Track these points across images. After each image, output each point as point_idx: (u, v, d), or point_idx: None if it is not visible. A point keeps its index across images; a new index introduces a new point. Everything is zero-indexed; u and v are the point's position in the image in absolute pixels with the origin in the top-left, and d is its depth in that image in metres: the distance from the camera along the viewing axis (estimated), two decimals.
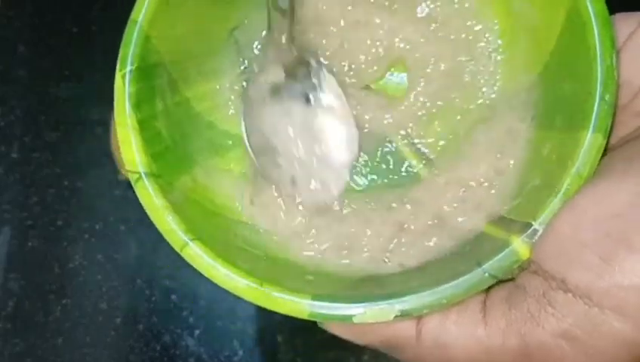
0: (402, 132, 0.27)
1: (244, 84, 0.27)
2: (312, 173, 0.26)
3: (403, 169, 0.26)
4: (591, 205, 0.19)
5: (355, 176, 0.27)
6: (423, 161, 0.26)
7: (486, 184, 0.24)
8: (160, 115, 0.24)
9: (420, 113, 0.27)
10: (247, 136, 0.26)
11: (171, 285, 0.36)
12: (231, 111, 0.27)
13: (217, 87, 0.27)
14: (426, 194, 0.25)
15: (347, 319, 0.20)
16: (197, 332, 0.36)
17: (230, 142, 0.27)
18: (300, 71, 0.26)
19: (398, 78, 0.27)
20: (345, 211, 0.26)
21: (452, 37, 0.27)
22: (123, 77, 0.23)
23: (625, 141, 0.21)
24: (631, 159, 0.20)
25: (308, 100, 0.26)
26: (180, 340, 0.36)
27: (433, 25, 0.27)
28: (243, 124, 0.26)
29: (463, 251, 0.23)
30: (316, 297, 0.20)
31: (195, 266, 0.21)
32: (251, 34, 0.27)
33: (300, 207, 0.26)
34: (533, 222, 0.20)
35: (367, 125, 0.27)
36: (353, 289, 0.23)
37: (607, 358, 0.19)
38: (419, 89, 0.27)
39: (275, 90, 0.26)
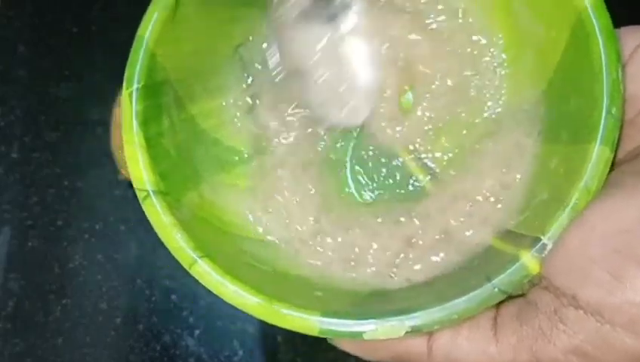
0: (410, 147, 0.27)
1: (249, 100, 0.27)
2: (340, 95, 0.26)
3: (409, 183, 0.26)
4: (600, 221, 0.19)
5: (361, 191, 0.27)
6: (429, 176, 0.26)
7: (492, 198, 0.25)
8: (167, 133, 0.24)
9: (426, 128, 0.27)
10: (280, 60, 0.26)
11: (171, 285, 0.36)
12: (236, 127, 0.27)
13: (223, 103, 0.27)
14: (432, 209, 0.25)
15: (357, 335, 0.20)
16: (197, 332, 0.36)
17: (236, 158, 0.27)
18: None
19: (404, 94, 0.27)
20: (351, 224, 0.26)
21: (459, 51, 0.27)
22: (130, 95, 0.23)
23: (633, 155, 0.21)
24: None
25: (335, 22, 0.26)
26: (179, 340, 0.36)
27: (439, 39, 0.27)
28: (274, 48, 0.26)
29: (472, 266, 0.23)
30: (326, 314, 0.20)
31: (203, 284, 0.21)
32: (256, 51, 0.27)
33: (323, 133, 0.26)
34: (542, 237, 0.20)
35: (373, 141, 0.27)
36: (362, 305, 0.23)
37: None
38: (425, 104, 0.27)
39: (302, 14, 0.26)
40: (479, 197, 0.25)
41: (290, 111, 0.28)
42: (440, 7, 0.27)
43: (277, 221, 0.26)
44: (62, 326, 0.36)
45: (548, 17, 0.24)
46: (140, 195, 0.22)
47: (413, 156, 0.27)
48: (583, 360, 0.19)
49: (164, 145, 0.24)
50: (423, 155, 0.27)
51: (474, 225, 0.24)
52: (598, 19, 0.21)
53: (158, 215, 0.22)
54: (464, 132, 0.26)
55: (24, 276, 0.37)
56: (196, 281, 0.21)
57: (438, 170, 0.26)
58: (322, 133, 0.27)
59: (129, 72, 0.23)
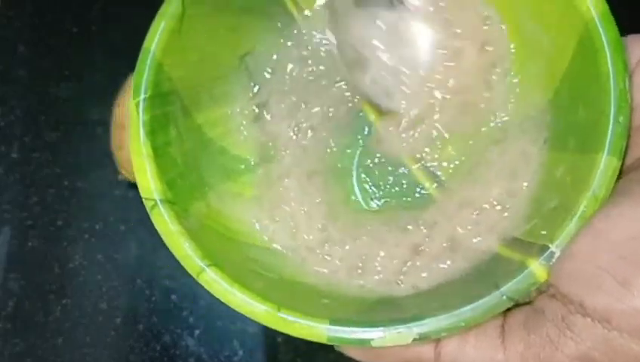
0: (417, 155, 0.27)
1: (255, 109, 0.27)
2: (404, 80, 0.25)
3: (416, 191, 0.27)
4: (608, 228, 0.19)
5: (368, 199, 0.27)
6: (435, 184, 0.26)
7: (499, 206, 0.25)
8: (174, 142, 0.24)
9: (433, 136, 0.27)
10: (339, 51, 0.26)
11: (171, 285, 0.36)
12: (243, 136, 0.27)
13: (229, 112, 0.27)
14: (439, 216, 0.25)
15: (365, 343, 0.20)
16: (197, 332, 0.36)
17: (242, 167, 0.27)
18: None
19: None
20: (358, 233, 0.26)
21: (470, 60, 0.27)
22: (137, 105, 0.23)
23: (639, 163, 0.21)
24: None
25: (392, 4, 0.25)
26: (179, 340, 0.36)
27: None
28: (332, 37, 0.26)
29: (479, 273, 0.23)
30: (334, 321, 0.20)
31: (211, 292, 0.21)
32: (262, 60, 0.28)
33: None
34: (550, 245, 0.20)
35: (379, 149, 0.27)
36: (369, 312, 0.23)
37: None
38: (435, 117, 0.27)
39: (360, 2, 0.26)
40: (486, 205, 0.25)
41: (297, 119, 0.28)
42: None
43: (283, 230, 0.26)
44: (62, 326, 0.36)
45: (555, 27, 0.24)
46: (148, 205, 0.22)
47: (419, 164, 0.27)
48: None
49: (171, 154, 0.24)
50: (429, 164, 0.27)
51: (481, 233, 0.24)
52: (605, 30, 0.21)
53: (165, 224, 0.22)
54: (470, 142, 0.26)
55: (24, 276, 0.37)
56: (197, 282, 0.21)
57: (444, 178, 0.26)
58: (332, 143, 0.27)
59: (136, 81, 0.23)
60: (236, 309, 0.21)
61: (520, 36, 0.26)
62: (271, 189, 0.27)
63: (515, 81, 0.26)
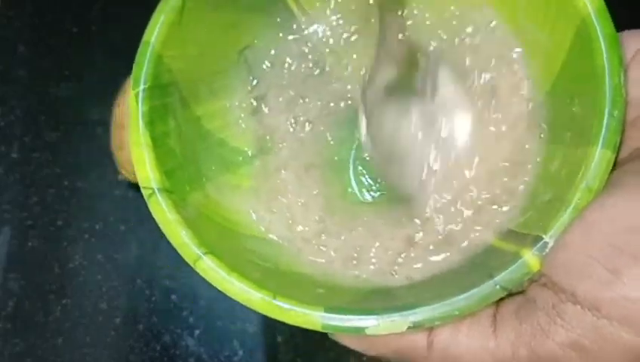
0: None
1: (253, 102, 0.28)
2: (438, 171, 0.25)
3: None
4: (600, 219, 0.19)
5: (364, 192, 0.27)
6: (433, 179, 0.26)
7: (495, 203, 0.25)
8: (172, 133, 0.24)
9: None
10: (372, 147, 0.26)
11: (171, 285, 0.36)
12: (241, 128, 0.27)
13: (227, 105, 0.27)
14: (434, 210, 0.25)
15: (360, 331, 0.20)
16: (197, 332, 0.36)
17: (240, 159, 0.27)
18: (414, 66, 0.26)
19: None
20: (354, 224, 0.26)
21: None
22: (136, 96, 0.23)
23: (634, 155, 0.21)
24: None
25: (424, 95, 0.26)
26: (180, 340, 0.36)
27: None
28: (365, 136, 0.26)
29: (473, 264, 0.23)
30: (329, 309, 0.20)
31: (208, 279, 0.21)
32: (261, 54, 0.28)
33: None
34: (544, 236, 0.20)
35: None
36: (364, 301, 0.23)
37: None
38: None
39: (391, 91, 0.26)
40: (480, 202, 0.25)
41: (295, 113, 0.28)
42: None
43: (280, 221, 0.26)
44: (62, 326, 0.36)
45: (552, 22, 0.24)
46: (146, 193, 0.22)
47: None
48: (580, 354, 0.19)
49: (169, 145, 0.24)
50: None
51: (475, 227, 0.25)
52: (601, 25, 0.22)
53: (163, 212, 0.22)
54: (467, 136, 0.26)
55: (24, 276, 0.37)
56: (196, 281, 0.21)
57: (439, 173, 0.26)
58: (329, 136, 0.28)
59: (136, 73, 0.23)
60: (232, 297, 0.21)
61: (518, 33, 0.26)
62: (268, 181, 0.27)
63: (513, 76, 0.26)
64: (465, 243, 0.24)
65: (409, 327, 0.20)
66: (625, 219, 0.19)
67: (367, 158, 0.27)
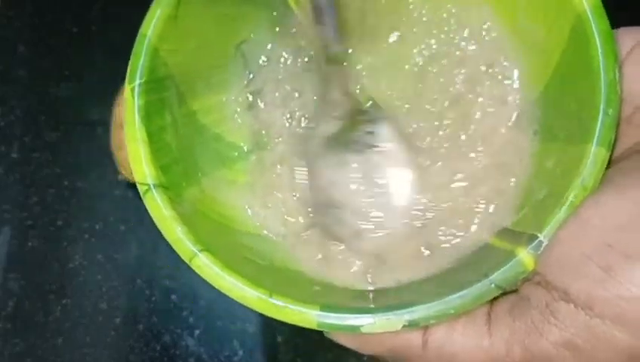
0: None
1: (249, 96, 0.28)
2: (375, 222, 0.26)
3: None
4: (594, 217, 0.19)
5: None
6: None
7: (488, 203, 0.25)
8: (168, 128, 0.24)
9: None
10: (311, 193, 0.26)
11: (171, 285, 0.36)
12: (237, 123, 0.27)
13: (224, 99, 0.27)
14: (429, 211, 0.25)
15: (355, 329, 0.20)
16: (197, 332, 0.36)
17: (236, 154, 0.27)
18: (356, 120, 0.26)
19: None
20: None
21: (457, 53, 0.27)
22: (132, 90, 0.23)
23: (629, 152, 0.21)
24: (634, 172, 0.20)
25: (366, 149, 0.26)
26: (180, 340, 0.36)
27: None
28: (307, 182, 0.26)
29: (468, 263, 0.23)
30: (324, 308, 0.20)
31: (203, 277, 0.21)
32: (257, 48, 0.28)
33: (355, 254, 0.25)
34: (539, 234, 0.20)
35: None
36: (360, 299, 0.23)
37: None
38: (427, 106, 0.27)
39: (332, 143, 0.26)
40: (473, 201, 0.25)
41: (291, 108, 0.28)
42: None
43: (275, 216, 0.26)
44: (62, 326, 0.36)
45: (548, 19, 0.24)
46: (142, 189, 0.22)
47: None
48: (574, 353, 0.19)
49: (165, 140, 0.24)
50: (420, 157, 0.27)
51: (470, 228, 0.25)
52: (596, 22, 0.22)
53: (158, 208, 0.22)
54: (463, 137, 0.26)
55: (24, 276, 0.37)
56: (196, 281, 0.21)
57: (432, 168, 0.26)
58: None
59: (132, 67, 0.23)
60: (228, 294, 0.21)
61: (513, 27, 0.26)
62: (264, 176, 0.27)
63: (507, 74, 0.26)
64: (458, 245, 0.24)
65: (404, 326, 0.20)
66: (618, 217, 0.19)
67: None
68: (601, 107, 0.21)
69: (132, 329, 0.36)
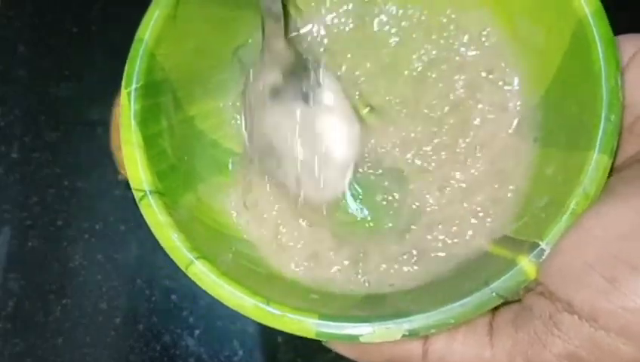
0: (408, 156, 0.27)
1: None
2: (315, 172, 0.26)
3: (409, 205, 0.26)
4: (597, 226, 0.19)
5: (356, 200, 0.27)
6: (425, 192, 0.26)
7: (486, 210, 0.25)
8: (165, 133, 0.24)
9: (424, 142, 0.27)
10: (250, 139, 0.26)
11: (171, 285, 0.36)
12: (234, 129, 0.27)
13: (221, 105, 0.27)
14: (424, 222, 0.25)
15: (354, 339, 0.20)
16: (197, 332, 0.36)
17: (232, 160, 0.27)
18: (298, 71, 0.26)
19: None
20: (346, 235, 0.26)
21: (456, 58, 0.27)
22: (128, 94, 0.23)
23: (631, 161, 0.21)
24: (636, 180, 0.20)
25: (307, 100, 0.26)
26: (180, 340, 0.36)
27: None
28: (244, 126, 0.26)
29: (469, 271, 0.23)
30: (323, 317, 0.20)
31: (200, 285, 0.21)
32: (255, 53, 0.27)
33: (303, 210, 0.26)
34: (540, 242, 0.20)
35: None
36: (358, 308, 0.23)
37: None
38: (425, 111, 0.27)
39: (275, 93, 0.26)
40: (470, 209, 0.25)
41: None
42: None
43: (271, 225, 0.26)
44: (62, 326, 0.36)
45: (548, 23, 0.24)
46: (138, 195, 0.22)
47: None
48: None
49: (162, 145, 0.23)
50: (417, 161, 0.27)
51: (468, 232, 0.24)
52: (598, 27, 0.21)
53: (154, 215, 0.22)
54: (462, 144, 0.26)
55: (24, 276, 0.37)
56: (186, 275, 0.21)
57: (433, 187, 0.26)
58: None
59: (128, 71, 0.23)
60: (225, 303, 0.21)
61: (513, 33, 0.26)
62: (260, 183, 0.27)
63: (507, 79, 0.26)
64: (459, 250, 0.24)
65: (404, 335, 0.20)
66: (622, 226, 0.19)
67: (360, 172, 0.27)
68: (603, 114, 0.21)
69: (132, 329, 0.36)
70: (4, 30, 0.41)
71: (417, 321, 0.20)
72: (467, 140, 0.26)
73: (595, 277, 0.18)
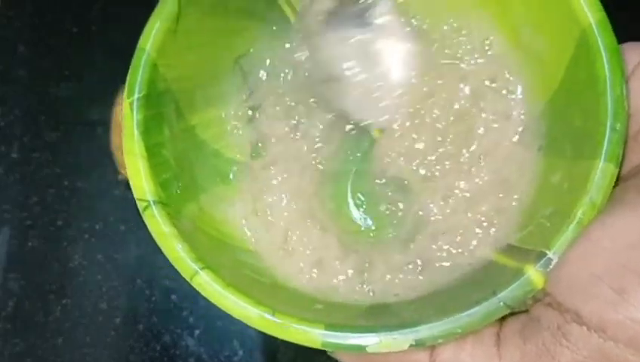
0: (412, 166, 0.27)
1: (249, 111, 0.28)
2: (375, 96, 0.25)
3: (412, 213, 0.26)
4: (604, 236, 0.19)
5: (359, 208, 0.27)
6: (429, 202, 0.26)
7: (489, 220, 0.25)
8: (167, 143, 0.24)
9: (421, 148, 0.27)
10: (310, 67, 0.26)
11: (171, 285, 0.36)
12: (236, 138, 0.27)
13: (223, 114, 0.27)
14: (429, 232, 0.25)
15: (361, 349, 0.20)
16: (197, 332, 0.36)
17: (235, 169, 0.27)
18: None
19: None
20: (350, 245, 0.26)
21: (461, 66, 0.27)
22: (131, 104, 0.23)
23: (636, 171, 0.21)
24: None
25: (363, 22, 0.25)
26: (179, 340, 0.36)
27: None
28: (303, 55, 0.26)
29: (476, 280, 0.23)
30: (329, 327, 0.20)
31: (205, 295, 0.21)
32: (256, 63, 0.27)
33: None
34: (547, 251, 0.20)
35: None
36: (363, 318, 0.22)
37: None
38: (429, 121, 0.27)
39: (329, 18, 0.26)
40: (474, 218, 0.25)
41: (291, 122, 0.28)
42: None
43: (274, 234, 0.26)
44: (62, 326, 0.36)
45: (552, 32, 0.24)
46: (141, 206, 0.22)
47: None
48: None
49: (164, 155, 0.23)
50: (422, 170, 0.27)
51: (470, 245, 0.24)
52: (602, 37, 0.21)
53: (158, 225, 0.22)
54: (466, 155, 0.26)
55: (24, 276, 0.37)
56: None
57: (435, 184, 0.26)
58: (327, 148, 0.27)
59: (130, 80, 0.23)
60: (230, 313, 0.21)
61: (517, 42, 0.26)
62: (263, 193, 0.27)
63: (511, 88, 0.26)
64: (463, 260, 0.24)
65: (411, 345, 0.20)
66: (629, 236, 0.19)
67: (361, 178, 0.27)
68: (609, 123, 0.21)
69: (132, 329, 0.36)
70: (4, 30, 0.41)
71: (424, 331, 0.20)
72: (471, 149, 0.26)
73: (604, 288, 0.18)
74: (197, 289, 0.21)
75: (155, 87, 0.23)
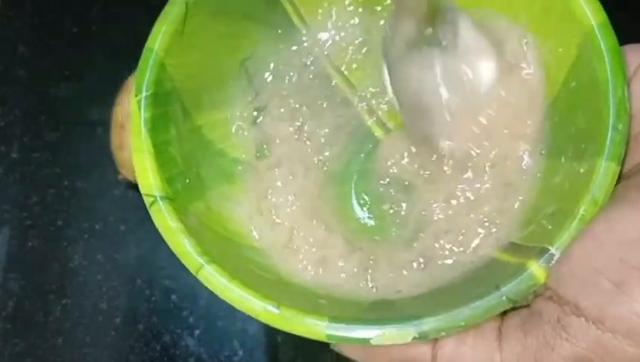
0: (419, 170, 0.27)
1: (254, 112, 0.28)
2: (461, 120, 0.25)
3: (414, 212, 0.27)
4: (605, 232, 0.19)
5: (363, 208, 0.27)
6: (434, 204, 0.26)
7: (492, 220, 0.25)
8: (174, 141, 0.24)
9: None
10: (397, 98, 0.26)
11: (171, 285, 0.36)
12: (241, 139, 0.27)
13: (228, 115, 0.27)
14: (431, 232, 0.25)
15: (365, 341, 0.20)
16: (197, 332, 0.36)
17: (240, 169, 0.27)
18: (434, 17, 0.25)
19: None
20: (354, 243, 0.26)
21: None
22: (139, 102, 0.23)
23: (637, 170, 0.21)
24: None
25: (447, 46, 0.25)
26: (180, 340, 0.36)
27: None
28: (389, 85, 0.26)
29: (479, 276, 0.23)
30: (333, 319, 0.20)
31: (211, 289, 0.21)
32: (261, 64, 0.28)
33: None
34: (550, 247, 0.20)
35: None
36: (367, 312, 0.23)
37: None
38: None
39: (412, 44, 0.25)
40: (478, 218, 0.25)
41: (296, 123, 0.28)
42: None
43: (279, 233, 0.26)
44: (62, 326, 0.36)
45: (554, 36, 0.24)
46: (148, 201, 0.22)
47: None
48: None
49: (171, 153, 0.24)
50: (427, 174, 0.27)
51: (471, 245, 0.25)
52: (604, 39, 0.22)
53: (165, 220, 0.22)
54: (474, 159, 0.26)
55: (24, 276, 0.37)
56: (196, 281, 0.21)
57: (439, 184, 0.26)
58: (331, 150, 0.27)
59: (138, 79, 0.23)
60: (235, 306, 0.21)
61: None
62: (267, 193, 0.27)
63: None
64: (466, 258, 0.24)
65: (414, 338, 0.20)
66: (629, 232, 0.19)
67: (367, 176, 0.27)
68: (611, 123, 0.21)
69: (132, 329, 0.36)
70: (4, 30, 0.41)
71: (427, 324, 0.20)
72: (475, 152, 0.26)
73: (603, 282, 0.19)
74: (203, 282, 0.21)
75: (162, 86, 0.24)
